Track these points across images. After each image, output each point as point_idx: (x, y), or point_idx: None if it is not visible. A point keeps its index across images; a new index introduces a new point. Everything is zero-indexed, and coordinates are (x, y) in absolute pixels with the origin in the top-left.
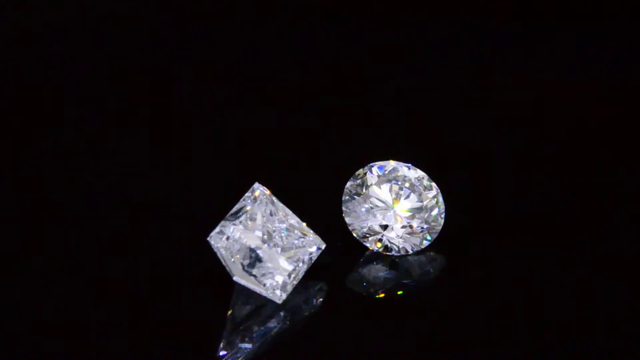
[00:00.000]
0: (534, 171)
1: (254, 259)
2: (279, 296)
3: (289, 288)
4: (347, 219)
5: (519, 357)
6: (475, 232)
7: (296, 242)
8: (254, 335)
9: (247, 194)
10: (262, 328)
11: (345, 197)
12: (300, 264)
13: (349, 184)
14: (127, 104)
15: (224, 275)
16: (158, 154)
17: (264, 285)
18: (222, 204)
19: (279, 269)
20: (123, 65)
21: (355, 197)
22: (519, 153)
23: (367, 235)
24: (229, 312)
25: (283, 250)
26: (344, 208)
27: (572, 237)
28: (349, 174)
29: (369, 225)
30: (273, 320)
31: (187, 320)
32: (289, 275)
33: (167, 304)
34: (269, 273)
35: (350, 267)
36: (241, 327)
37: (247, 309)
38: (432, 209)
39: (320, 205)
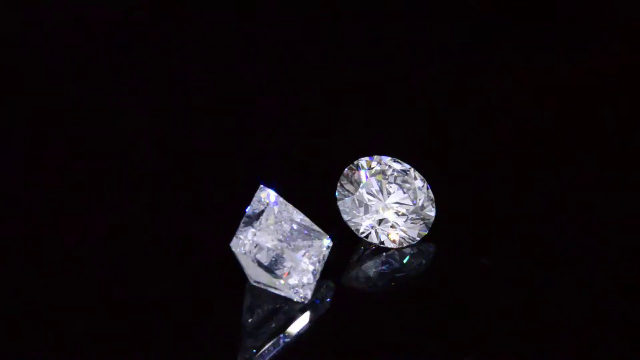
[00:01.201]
0: (523, 164)
1: (274, 261)
2: (304, 295)
3: (313, 287)
4: (344, 216)
5: (516, 346)
6: (466, 223)
7: (308, 241)
8: (273, 337)
9: (255, 197)
10: (281, 329)
11: (338, 196)
12: (317, 264)
13: (339, 183)
14: (123, 105)
15: (239, 279)
16: (154, 156)
17: (289, 285)
18: (224, 206)
19: (300, 268)
20: (122, 65)
21: (347, 194)
22: (508, 147)
23: (363, 231)
24: (247, 317)
25: (299, 249)
26: (339, 205)
27: (561, 227)
28: (342, 169)
29: (363, 220)
30: (290, 321)
31: (204, 326)
32: (312, 274)
33: (185, 310)
34: (291, 273)
35: (350, 263)
36: (259, 331)
37: (264, 312)
38: (422, 200)
39: (315, 203)
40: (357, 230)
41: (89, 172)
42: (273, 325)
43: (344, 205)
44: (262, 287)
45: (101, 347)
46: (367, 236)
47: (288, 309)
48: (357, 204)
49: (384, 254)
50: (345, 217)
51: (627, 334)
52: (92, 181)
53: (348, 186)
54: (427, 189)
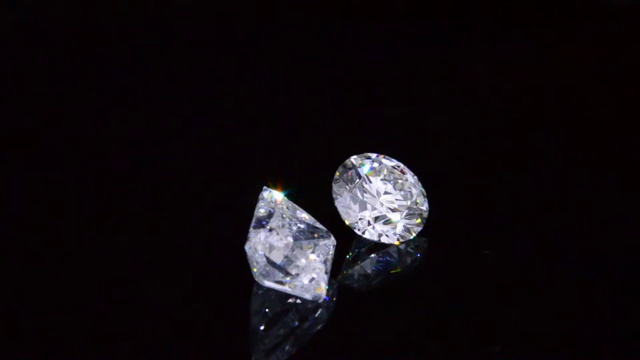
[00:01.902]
0: (510, 156)
1: (288, 260)
2: (318, 294)
3: (327, 285)
4: (341, 215)
5: (513, 334)
6: (459, 217)
7: (315, 240)
8: (284, 338)
9: (261, 199)
10: (292, 330)
11: (334, 195)
12: (327, 263)
13: (334, 182)
14: (118, 107)
15: (247, 281)
16: (156, 160)
17: (302, 285)
18: (225, 209)
19: (312, 267)
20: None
21: (343, 193)
22: (496, 140)
23: (360, 229)
24: (258, 318)
25: (309, 248)
26: (335, 204)
27: (553, 219)
28: (333, 167)
29: (359, 218)
30: (301, 320)
31: (216, 329)
32: (324, 273)
33: (197, 314)
34: (306, 273)
35: (347, 261)
36: (270, 332)
37: (275, 312)
38: (415, 195)
39: (310, 201)
40: (354, 228)
41: (96, 176)
42: (284, 325)
43: (340, 204)
44: (274, 287)
45: (118, 350)
46: (363, 233)
47: (298, 308)
48: (353, 202)
49: (381, 250)
50: (342, 216)
51: (617, 328)
52: (99, 185)
53: (343, 185)
54: (419, 183)
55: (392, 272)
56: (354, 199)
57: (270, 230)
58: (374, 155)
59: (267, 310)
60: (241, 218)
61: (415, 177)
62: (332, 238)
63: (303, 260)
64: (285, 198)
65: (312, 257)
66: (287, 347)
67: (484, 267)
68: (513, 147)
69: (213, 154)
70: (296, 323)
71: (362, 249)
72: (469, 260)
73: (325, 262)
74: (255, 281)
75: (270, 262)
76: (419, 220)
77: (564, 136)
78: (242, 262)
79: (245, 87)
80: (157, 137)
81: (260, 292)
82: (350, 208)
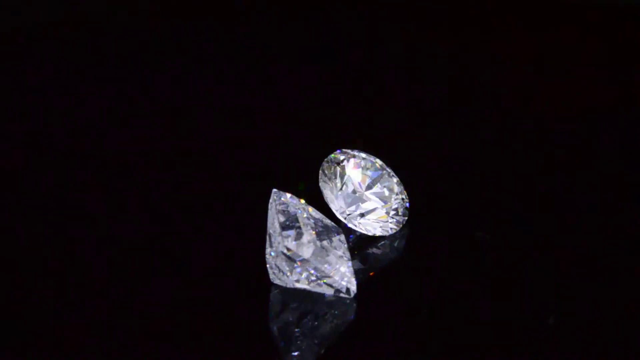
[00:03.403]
0: (487, 147)
1: (318, 257)
2: (349, 286)
3: (355, 278)
4: (334, 212)
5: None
6: (436, 206)
7: (331, 235)
8: (308, 336)
9: (275, 201)
10: (321, 326)
11: (324, 194)
12: (349, 257)
13: (319, 182)
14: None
15: (263, 284)
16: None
17: (338, 282)
18: (228, 212)
19: (341, 262)
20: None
21: (327, 191)
22: (471, 135)
23: (346, 223)
24: (281, 319)
25: (330, 245)
26: (326, 200)
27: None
28: (312, 163)
29: (347, 213)
30: (328, 317)
31: (237, 332)
32: (351, 267)
33: (220, 317)
34: (336, 270)
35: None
36: (295, 332)
37: (298, 312)
38: (396, 188)
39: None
40: (342, 222)
41: (99, 179)
42: (306, 325)
43: (327, 200)
44: (301, 287)
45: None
46: (355, 227)
47: (322, 306)
48: (338, 199)
49: (369, 243)
50: (335, 213)
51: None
52: (105, 188)
53: (327, 183)
54: (397, 178)
55: (382, 265)
56: (339, 195)
57: (297, 229)
58: (352, 152)
59: (289, 311)
60: (244, 219)
61: (389, 168)
62: (342, 232)
63: (331, 257)
64: (296, 198)
65: (336, 252)
66: (314, 346)
67: (479, 248)
68: (492, 138)
69: (212, 156)
70: (321, 321)
71: (351, 242)
72: (456, 247)
73: (347, 255)
74: (273, 283)
75: (300, 261)
76: (402, 212)
77: (551, 127)
78: (254, 263)
79: (232, 87)
80: (156, 139)
81: (280, 292)
82: (337, 204)
